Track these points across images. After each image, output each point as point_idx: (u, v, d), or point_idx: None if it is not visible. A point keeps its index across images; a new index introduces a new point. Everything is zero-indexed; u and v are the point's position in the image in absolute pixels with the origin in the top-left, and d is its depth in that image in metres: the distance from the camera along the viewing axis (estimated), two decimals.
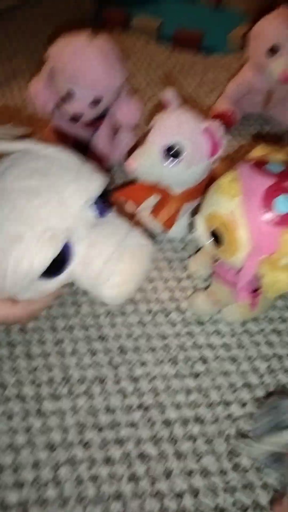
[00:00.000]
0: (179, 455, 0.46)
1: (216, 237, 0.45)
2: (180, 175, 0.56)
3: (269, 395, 0.50)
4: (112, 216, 0.38)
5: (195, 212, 0.57)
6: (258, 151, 0.49)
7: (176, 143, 0.53)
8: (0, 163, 0.35)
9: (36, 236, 0.32)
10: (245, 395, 0.50)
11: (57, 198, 0.33)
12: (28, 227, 0.32)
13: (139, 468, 0.45)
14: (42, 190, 0.33)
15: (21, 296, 0.37)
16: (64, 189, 0.34)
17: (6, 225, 0.33)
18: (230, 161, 0.77)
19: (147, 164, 0.55)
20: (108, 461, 0.45)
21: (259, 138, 0.83)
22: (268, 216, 0.40)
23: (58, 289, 0.38)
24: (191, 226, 0.48)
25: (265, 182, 0.41)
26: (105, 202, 0.37)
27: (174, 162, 0.54)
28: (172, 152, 0.54)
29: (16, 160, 0.35)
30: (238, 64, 1.01)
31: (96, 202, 0.36)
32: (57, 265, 0.34)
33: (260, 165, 0.44)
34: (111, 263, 0.36)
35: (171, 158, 0.54)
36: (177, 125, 0.54)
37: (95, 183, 0.36)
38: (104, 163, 0.74)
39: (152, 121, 0.56)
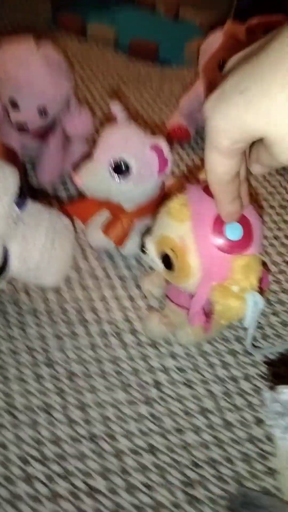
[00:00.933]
0: (130, 489, 0.44)
1: (167, 261, 0.43)
2: (129, 192, 0.54)
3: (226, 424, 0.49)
4: (30, 206, 0.39)
5: (145, 232, 0.55)
6: None
7: (123, 159, 0.51)
8: None
9: None
10: (200, 421, 0.49)
11: None
12: None
13: (87, 504, 0.42)
14: None
15: None
16: None
17: None
18: (183, 178, 0.76)
19: (93, 180, 0.52)
20: (54, 497, 0.43)
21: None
22: (219, 242, 0.39)
23: None
24: (142, 247, 0.46)
25: (215, 207, 0.40)
26: (20, 195, 0.37)
27: (122, 179, 0.52)
28: (119, 169, 0.52)
29: None
30: (194, 77, 1.02)
31: (16, 201, 0.36)
32: (0, 269, 0.35)
33: (209, 188, 0.43)
34: (46, 252, 0.39)
35: (118, 175, 0.52)
36: (123, 141, 0.52)
37: (11, 181, 0.36)
38: (54, 175, 0.71)
39: (99, 136, 0.54)
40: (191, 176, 0.77)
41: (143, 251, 0.46)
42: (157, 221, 0.45)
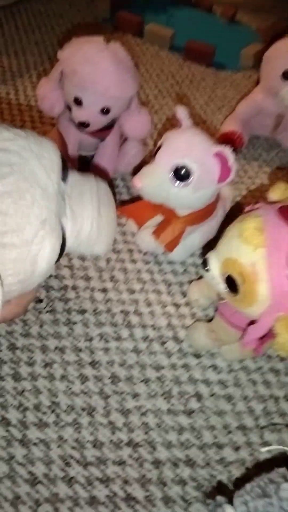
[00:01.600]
0: (167, 500, 0.44)
1: (231, 284, 0.42)
2: (186, 198, 0.53)
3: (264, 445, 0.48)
4: (76, 181, 0.39)
5: (208, 248, 0.54)
6: (281, 190, 0.46)
7: (185, 165, 0.51)
8: None
9: (39, 234, 0.33)
10: (239, 438, 0.48)
11: (37, 189, 0.33)
12: (28, 229, 0.33)
13: None
14: (21, 187, 0.33)
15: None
16: (37, 177, 0.34)
17: (7, 237, 0.32)
18: (233, 186, 0.75)
19: (153, 184, 0.52)
20: (92, 502, 0.43)
21: (265, 166, 0.81)
22: None
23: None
24: (204, 264, 0.44)
25: None
26: (65, 170, 0.38)
27: (182, 185, 0.52)
28: (180, 174, 0.51)
29: None
30: (248, 83, 1.00)
31: (61, 176, 0.37)
32: (61, 248, 0.36)
33: (286, 213, 0.40)
34: (95, 221, 0.39)
35: (179, 180, 0.51)
36: (187, 147, 0.52)
37: (55, 158, 0.36)
38: (108, 174, 0.71)
39: (161, 139, 0.54)
40: (243, 185, 0.76)
41: (205, 268, 0.44)
42: (225, 240, 0.43)
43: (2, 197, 0.32)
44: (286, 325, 0.38)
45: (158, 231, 0.59)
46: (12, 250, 0.32)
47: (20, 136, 0.35)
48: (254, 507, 0.34)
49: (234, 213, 0.49)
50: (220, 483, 0.45)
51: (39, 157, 0.35)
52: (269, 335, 0.48)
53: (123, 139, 0.72)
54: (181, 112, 0.55)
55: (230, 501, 0.37)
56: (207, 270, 0.44)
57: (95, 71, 0.59)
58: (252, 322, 0.45)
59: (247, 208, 0.45)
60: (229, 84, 1.00)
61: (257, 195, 0.73)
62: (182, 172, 0.51)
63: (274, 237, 0.39)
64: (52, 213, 0.34)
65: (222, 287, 0.43)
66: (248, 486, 0.36)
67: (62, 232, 0.36)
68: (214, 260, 0.43)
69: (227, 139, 0.80)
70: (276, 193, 0.45)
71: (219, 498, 0.37)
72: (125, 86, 0.62)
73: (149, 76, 0.98)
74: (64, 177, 0.36)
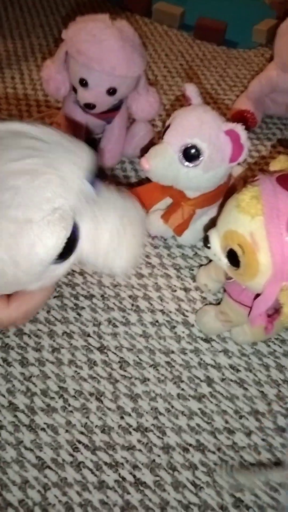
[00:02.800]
0: (177, 485, 0.43)
1: (233, 257, 0.41)
2: (197, 179, 0.52)
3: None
4: (105, 191, 0.37)
5: (210, 225, 0.53)
6: (280, 163, 0.46)
7: (195, 144, 0.49)
8: None
9: (46, 218, 0.31)
10: (251, 423, 0.47)
11: (57, 176, 0.32)
12: (35, 210, 0.31)
13: (134, 497, 0.42)
14: (41, 170, 0.32)
15: (32, 286, 0.35)
16: (61, 167, 0.33)
17: (11, 211, 0.31)
18: (246, 167, 0.73)
19: (162, 165, 0.50)
20: (101, 486, 0.42)
21: (279, 145, 0.79)
22: None
23: (52, 286, 0.39)
24: (205, 241, 0.44)
25: None
26: (97, 178, 0.35)
27: (192, 165, 0.50)
28: (190, 154, 0.49)
29: (3, 141, 0.33)
30: (261, 61, 0.97)
31: (89, 179, 0.35)
32: (69, 245, 0.33)
33: (285, 180, 0.40)
34: (117, 234, 0.36)
35: (188, 161, 0.50)
36: (197, 125, 0.50)
37: (87, 159, 0.35)
38: (116, 156, 0.69)
39: (170, 118, 0.52)
40: (257, 167, 0.74)
41: (207, 245, 0.44)
42: (224, 213, 0.43)
43: (17, 174, 0.32)
44: None
45: (167, 215, 0.58)
46: (12, 223, 0.31)
47: (55, 131, 0.35)
48: None
49: None
50: None
51: (67, 151, 0.34)
52: (278, 312, 0.47)
53: (131, 121, 0.70)
54: (191, 89, 0.53)
55: None
56: (209, 247, 0.43)
57: (100, 49, 0.57)
58: (258, 297, 0.44)
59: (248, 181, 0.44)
60: (241, 62, 0.97)
61: None
62: (192, 151, 0.49)
63: (272, 205, 0.38)
64: (67, 205, 0.33)
65: (225, 262, 0.42)
66: None
67: (75, 230, 0.34)
68: (214, 236, 0.43)
69: (239, 118, 0.77)
70: (276, 165, 0.44)
71: None
72: (132, 65, 0.60)
73: (158, 56, 0.96)
74: (94, 182, 0.35)
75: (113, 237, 0.36)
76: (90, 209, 0.35)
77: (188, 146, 0.49)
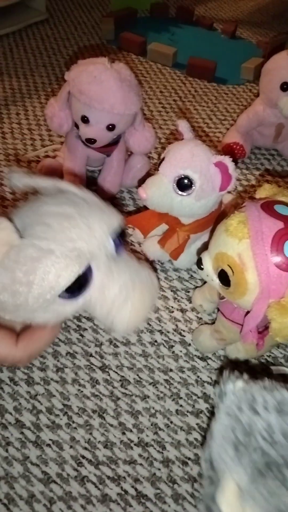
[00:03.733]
0: (176, 498, 0.45)
1: (224, 277, 0.45)
2: (190, 207, 0.56)
3: None
4: (125, 253, 0.40)
5: (202, 249, 0.56)
6: (266, 191, 0.50)
7: (188, 175, 0.53)
8: (39, 197, 0.38)
9: (65, 253, 0.34)
10: None
11: (85, 224, 0.36)
12: (58, 244, 0.35)
13: (136, 509, 0.44)
14: (73, 216, 0.36)
15: (37, 318, 0.37)
16: (91, 218, 0.37)
17: (38, 241, 0.35)
18: (236, 195, 0.77)
19: (157, 194, 0.55)
20: (104, 500, 0.44)
21: (266, 174, 0.84)
22: (278, 259, 0.40)
23: (57, 328, 0.40)
24: (199, 263, 0.47)
25: (274, 225, 0.41)
26: (121, 240, 0.39)
27: (185, 194, 0.54)
28: (183, 184, 0.54)
29: (52, 194, 0.39)
30: (249, 96, 1.03)
31: (114, 239, 0.38)
32: (79, 284, 0.36)
33: (268, 206, 0.44)
34: (125, 291, 0.38)
35: (182, 190, 0.54)
36: (189, 158, 0.54)
37: (115, 219, 0.39)
38: (115, 187, 0.74)
39: (165, 151, 0.56)
40: (246, 194, 0.78)
41: (200, 267, 0.48)
42: (215, 237, 0.47)
43: (53, 215, 0.36)
44: (278, 310, 0.40)
45: (163, 240, 0.62)
46: (36, 251, 0.34)
47: (94, 195, 0.39)
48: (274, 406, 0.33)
49: None
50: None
51: (101, 210, 0.38)
52: (268, 328, 0.50)
53: (129, 154, 0.75)
54: (183, 125, 0.58)
55: None
56: (202, 269, 0.46)
57: (100, 90, 0.62)
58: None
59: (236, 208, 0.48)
60: (231, 97, 1.03)
61: None
62: (185, 182, 0.53)
63: (257, 229, 0.41)
64: (86, 250, 0.36)
65: (217, 282, 0.46)
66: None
67: (87, 271, 0.36)
68: (207, 258, 0.46)
69: (229, 150, 0.83)
70: (261, 193, 0.48)
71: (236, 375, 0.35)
72: (129, 103, 0.65)
73: (153, 93, 1.01)
74: (117, 247, 0.38)
75: (121, 292, 0.38)
76: (107, 262, 0.37)
77: (181, 176, 0.53)
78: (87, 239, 0.36)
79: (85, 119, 0.64)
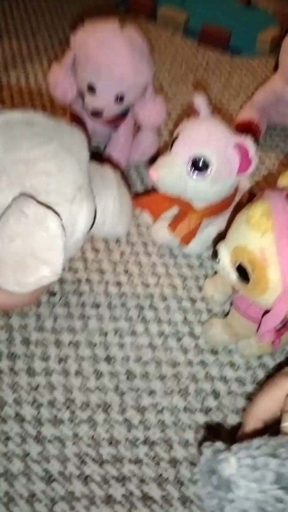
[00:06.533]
0: (184, 500, 0.43)
1: (242, 273, 0.41)
2: (204, 191, 0.51)
3: None
4: (98, 167, 0.44)
5: (219, 239, 0.53)
6: None
7: (204, 156, 0.49)
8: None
9: (77, 197, 0.36)
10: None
11: (73, 159, 0.37)
12: (70, 189, 0.36)
13: (141, 511, 0.42)
14: (62, 154, 0.36)
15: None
16: (72, 149, 0.38)
17: (61, 191, 0.36)
18: (250, 178, 0.73)
19: (170, 176, 0.50)
20: (108, 500, 0.42)
21: (282, 158, 0.79)
22: None
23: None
24: (214, 255, 0.44)
25: None
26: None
27: (200, 176, 0.50)
28: (198, 166, 0.49)
29: (16, 129, 0.37)
30: (265, 69, 0.97)
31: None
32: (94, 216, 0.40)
33: None
34: (117, 200, 0.44)
35: (197, 172, 0.50)
36: (206, 137, 0.49)
37: (82, 136, 0.40)
38: (121, 165, 0.69)
39: (178, 129, 0.52)
40: (260, 178, 0.74)
41: (216, 260, 0.44)
42: (234, 229, 0.43)
43: (46, 159, 0.35)
44: None
45: (173, 224, 0.58)
46: (56, 208, 0.35)
47: (50, 117, 0.40)
48: (264, 463, 0.27)
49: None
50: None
51: (71, 134, 0.39)
52: (286, 326, 0.47)
53: (137, 129, 0.70)
54: (200, 101, 0.53)
55: None
56: (218, 261, 0.43)
57: (110, 57, 0.57)
58: (267, 313, 0.43)
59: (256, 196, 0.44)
60: (245, 70, 0.97)
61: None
62: (200, 163, 0.49)
63: (282, 222, 0.38)
64: (85, 182, 0.38)
65: (234, 277, 0.42)
66: (255, 442, 0.28)
67: (94, 204, 0.39)
68: (224, 250, 0.42)
69: (245, 128, 0.78)
70: (285, 179, 0.44)
71: (219, 444, 0.29)
72: (140, 73, 0.60)
73: (162, 63, 0.95)
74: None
75: (115, 204, 0.44)
76: (92, 186, 0.40)
77: (197, 158, 0.49)
78: (80, 172, 0.38)
79: (91, 88, 0.59)
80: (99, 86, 0.59)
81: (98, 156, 0.70)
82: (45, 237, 0.33)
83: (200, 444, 0.46)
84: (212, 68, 0.96)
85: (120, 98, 0.60)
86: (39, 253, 0.34)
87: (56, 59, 0.63)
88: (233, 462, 0.26)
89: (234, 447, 0.27)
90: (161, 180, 0.51)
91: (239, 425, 0.47)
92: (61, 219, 0.34)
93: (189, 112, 0.51)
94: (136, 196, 0.63)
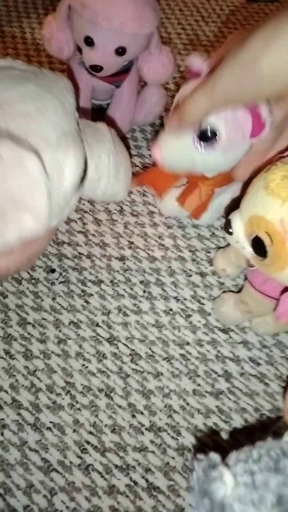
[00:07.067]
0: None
1: (259, 246, 0.37)
2: (215, 163, 0.45)
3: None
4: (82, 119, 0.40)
5: (232, 207, 0.48)
6: None
7: (210, 123, 0.42)
8: None
9: (62, 142, 0.33)
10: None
11: (56, 101, 0.35)
12: (53, 133, 0.33)
13: (146, 503, 0.39)
14: (43, 95, 0.34)
15: (56, 221, 0.36)
16: (55, 92, 0.35)
17: (43, 134, 0.33)
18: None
19: (174, 153, 0.44)
20: (111, 491, 0.39)
21: None
22: None
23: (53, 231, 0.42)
24: (227, 226, 0.39)
25: None
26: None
27: (209, 148, 0.44)
28: (205, 136, 0.43)
29: None
30: None
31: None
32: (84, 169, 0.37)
33: None
34: (112, 155, 0.40)
35: (205, 143, 0.43)
36: None
37: (68, 83, 0.38)
38: (126, 124, 0.63)
39: (177, 96, 0.45)
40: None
41: (228, 231, 0.39)
42: (249, 195, 0.38)
43: (24, 99, 0.33)
44: None
45: (183, 196, 0.52)
46: (38, 152, 0.31)
47: (32, 65, 0.38)
48: (264, 482, 0.23)
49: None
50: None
51: (54, 79, 0.37)
52: None
53: (142, 85, 0.64)
54: (197, 60, 0.45)
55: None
56: (230, 233, 0.39)
57: (108, 3, 0.51)
58: (286, 290, 0.40)
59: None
60: (262, 18, 0.88)
61: None
62: (207, 132, 0.43)
63: None
64: (72, 128, 0.35)
65: (249, 250, 0.38)
66: (254, 452, 0.25)
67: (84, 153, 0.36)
68: (238, 220, 0.38)
69: None
70: None
71: (213, 457, 0.26)
72: (143, 21, 0.53)
73: (171, 12, 0.87)
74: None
75: (110, 160, 0.40)
76: (84, 140, 0.37)
77: (203, 128, 0.43)
78: (65, 116, 0.35)
79: (89, 41, 0.53)
80: (97, 38, 0.53)
81: (100, 118, 0.64)
82: (24, 181, 0.30)
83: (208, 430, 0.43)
84: (225, 16, 0.87)
85: (121, 51, 0.54)
86: (19, 198, 0.30)
87: (53, 12, 0.57)
88: (228, 481, 0.22)
89: (231, 459, 0.23)
90: (166, 160, 0.45)
91: (254, 409, 0.44)
92: (43, 164, 0.31)
93: (188, 75, 0.44)
94: (140, 172, 0.58)
